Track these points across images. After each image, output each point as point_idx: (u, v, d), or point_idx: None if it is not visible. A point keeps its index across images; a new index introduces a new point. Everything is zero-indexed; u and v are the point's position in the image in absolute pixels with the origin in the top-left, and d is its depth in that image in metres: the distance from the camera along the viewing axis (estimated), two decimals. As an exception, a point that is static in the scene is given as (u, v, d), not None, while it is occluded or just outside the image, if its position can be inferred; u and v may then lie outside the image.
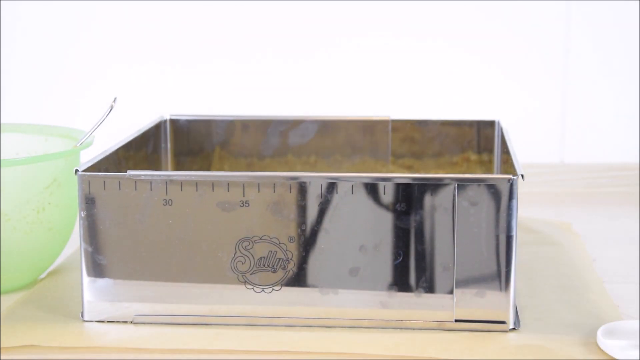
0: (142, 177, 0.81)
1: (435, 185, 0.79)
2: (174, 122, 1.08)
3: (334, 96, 1.32)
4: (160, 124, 1.06)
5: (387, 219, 0.80)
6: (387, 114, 1.09)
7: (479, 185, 0.79)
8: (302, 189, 0.80)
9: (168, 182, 0.81)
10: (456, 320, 0.81)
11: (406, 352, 0.77)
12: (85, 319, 0.83)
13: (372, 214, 0.80)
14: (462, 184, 0.79)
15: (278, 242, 0.81)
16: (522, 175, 0.79)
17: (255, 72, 1.32)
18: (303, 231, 0.81)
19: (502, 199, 0.79)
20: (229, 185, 0.80)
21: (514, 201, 0.79)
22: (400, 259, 0.80)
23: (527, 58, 1.32)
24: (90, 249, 0.82)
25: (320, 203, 0.80)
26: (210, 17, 1.32)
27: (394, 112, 1.09)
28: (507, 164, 0.89)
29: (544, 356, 0.76)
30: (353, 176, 0.80)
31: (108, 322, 0.83)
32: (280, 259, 0.81)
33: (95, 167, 0.84)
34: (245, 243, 0.81)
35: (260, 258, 0.81)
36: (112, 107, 0.93)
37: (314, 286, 0.81)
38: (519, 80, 1.32)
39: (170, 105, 1.28)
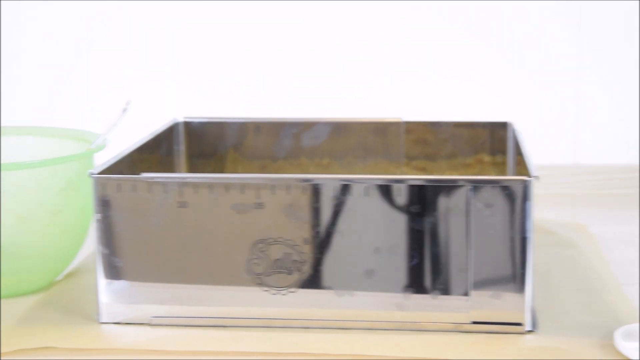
0: (157, 180, 0.81)
1: (449, 187, 0.79)
2: (188, 125, 1.08)
3: (346, 98, 1.32)
4: (174, 126, 1.06)
5: (401, 221, 0.80)
6: (400, 115, 1.08)
7: (494, 187, 0.79)
8: (316, 191, 0.80)
9: (182, 184, 0.81)
10: (472, 322, 0.81)
11: (422, 354, 0.77)
12: (102, 321, 0.83)
13: (387, 216, 0.80)
14: (476, 186, 0.79)
15: (293, 244, 0.81)
16: (536, 177, 0.79)
17: (268, 75, 1.32)
18: (317, 233, 0.80)
19: (516, 200, 0.79)
20: (243, 187, 0.80)
21: (529, 202, 0.79)
22: (416, 261, 0.80)
23: (541, 59, 1.31)
24: (106, 252, 0.82)
25: (335, 205, 0.80)
26: (224, 20, 1.32)
27: (407, 114, 1.09)
28: (521, 165, 0.89)
29: (561, 357, 0.76)
30: (367, 178, 0.80)
31: (125, 324, 0.83)
32: (295, 260, 0.81)
33: (110, 169, 0.84)
34: (260, 245, 0.81)
35: (276, 260, 0.81)
36: (125, 110, 0.93)
37: (329, 288, 0.81)
38: (533, 81, 1.32)
39: (183, 107, 1.28)
